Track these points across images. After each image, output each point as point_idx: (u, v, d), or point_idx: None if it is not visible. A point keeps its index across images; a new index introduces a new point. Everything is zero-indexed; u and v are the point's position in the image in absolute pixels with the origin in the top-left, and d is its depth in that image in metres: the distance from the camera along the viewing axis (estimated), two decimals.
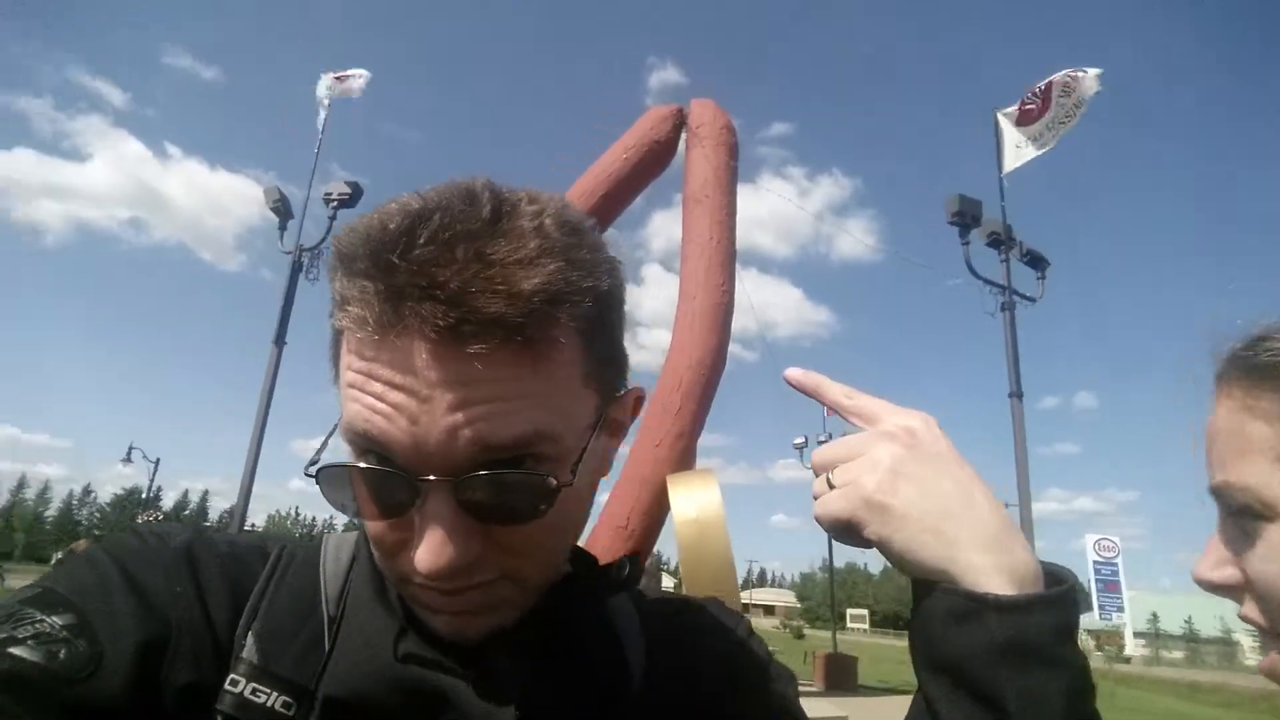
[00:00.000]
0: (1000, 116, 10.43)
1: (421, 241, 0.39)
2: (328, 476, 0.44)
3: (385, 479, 0.42)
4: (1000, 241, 10.32)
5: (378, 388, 0.41)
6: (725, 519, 9.27)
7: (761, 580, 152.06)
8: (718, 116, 12.98)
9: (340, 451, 0.46)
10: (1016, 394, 9.67)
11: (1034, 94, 9.70)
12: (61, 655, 0.40)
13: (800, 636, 43.06)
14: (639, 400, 0.53)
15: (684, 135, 12.62)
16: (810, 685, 14.22)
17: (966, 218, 10.32)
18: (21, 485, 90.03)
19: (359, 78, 11.99)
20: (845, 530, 0.45)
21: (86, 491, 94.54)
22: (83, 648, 0.41)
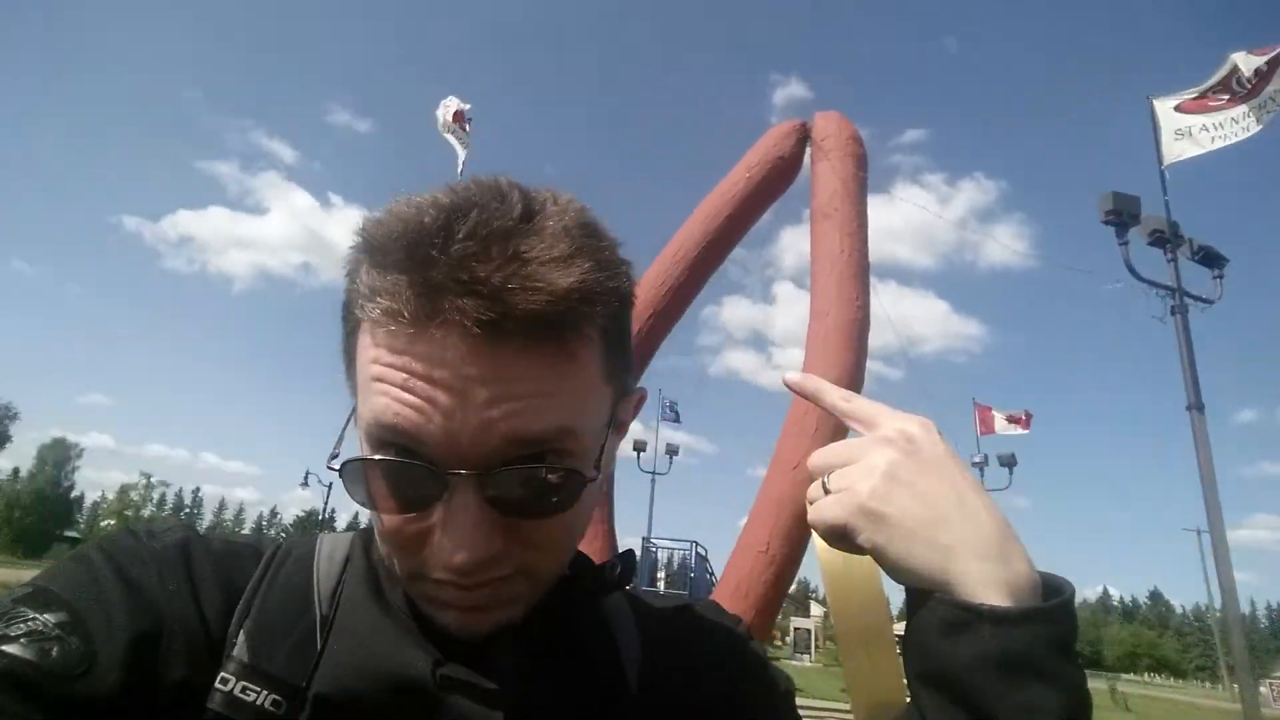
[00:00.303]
0: (1156, 104, 9.38)
1: (460, 237, 0.40)
2: (351, 470, 0.44)
3: (412, 472, 0.42)
4: (1165, 239, 9.25)
5: (410, 381, 0.41)
6: None
7: None
8: (843, 128, 12.57)
9: (352, 443, 0.47)
10: (1196, 406, 8.56)
11: (1234, 80, 8.54)
12: (54, 653, 0.40)
13: None
14: (642, 401, 0.54)
15: (809, 150, 12.40)
16: None
17: (1123, 215, 9.33)
18: (221, 507, 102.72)
19: (452, 109, 12.72)
20: (840, 536, 0.45)
21: (273, 513, 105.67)
22: (75, 645, 0.41)
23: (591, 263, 0.42)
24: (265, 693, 0.44)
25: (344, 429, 0.47)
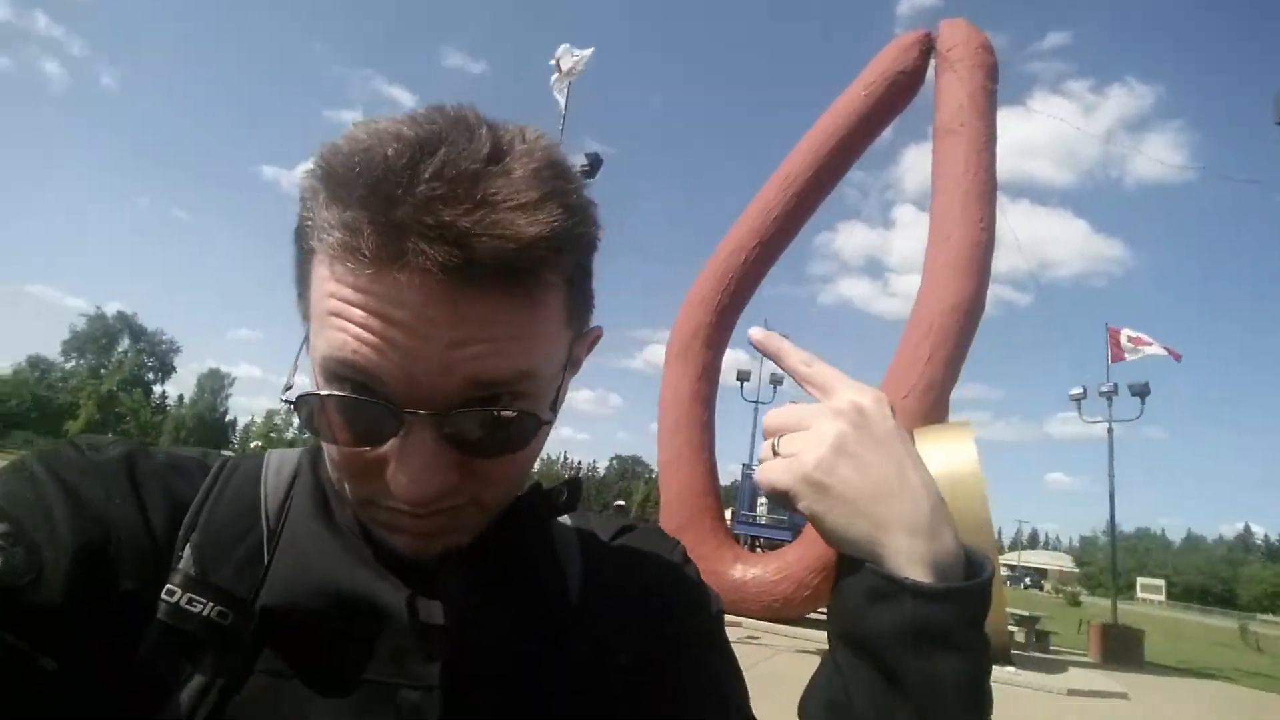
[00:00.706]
0: None
1: (427, 177, 0.39)
2: (306, 404, 0.44)
3: (370, 409, 0.42)
4: None
5: (369, 320, 0.40)
6: (981, 475, 8.70)
7: (1033, 542, 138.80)
8: (972, 36, 11.61)
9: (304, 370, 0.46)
10: None
11: None
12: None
13: (1076, 603, 38.67)
14: (596, 339, 0.55)
15: (933, 62, 11.55)
16: (1083, 655, 12.95)
17: None
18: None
19: (574, 58, 12.63)
20: (783, 499, 0.47)
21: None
22: (20, 555, 0.40)
23: (560, 209, 0.41)
24: (212, 604, 0.45)
25: (296, 359, 0.47)
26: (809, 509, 0.45)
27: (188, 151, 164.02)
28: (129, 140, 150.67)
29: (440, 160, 0.39)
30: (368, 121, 0.43)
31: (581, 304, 0.49)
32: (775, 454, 0.48)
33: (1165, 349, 17.33)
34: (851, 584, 0.44)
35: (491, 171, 0.40)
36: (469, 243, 0.38)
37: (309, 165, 0.43)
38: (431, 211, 0.38)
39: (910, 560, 0.43)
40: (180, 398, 76.13)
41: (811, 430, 0.47)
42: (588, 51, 12.91)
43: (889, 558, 0.43)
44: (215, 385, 76.52)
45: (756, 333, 0.54)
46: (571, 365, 0.51)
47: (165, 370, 69.81)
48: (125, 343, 67.59)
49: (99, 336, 66.38)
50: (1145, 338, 17.41)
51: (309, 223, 0.43)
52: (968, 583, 0.43)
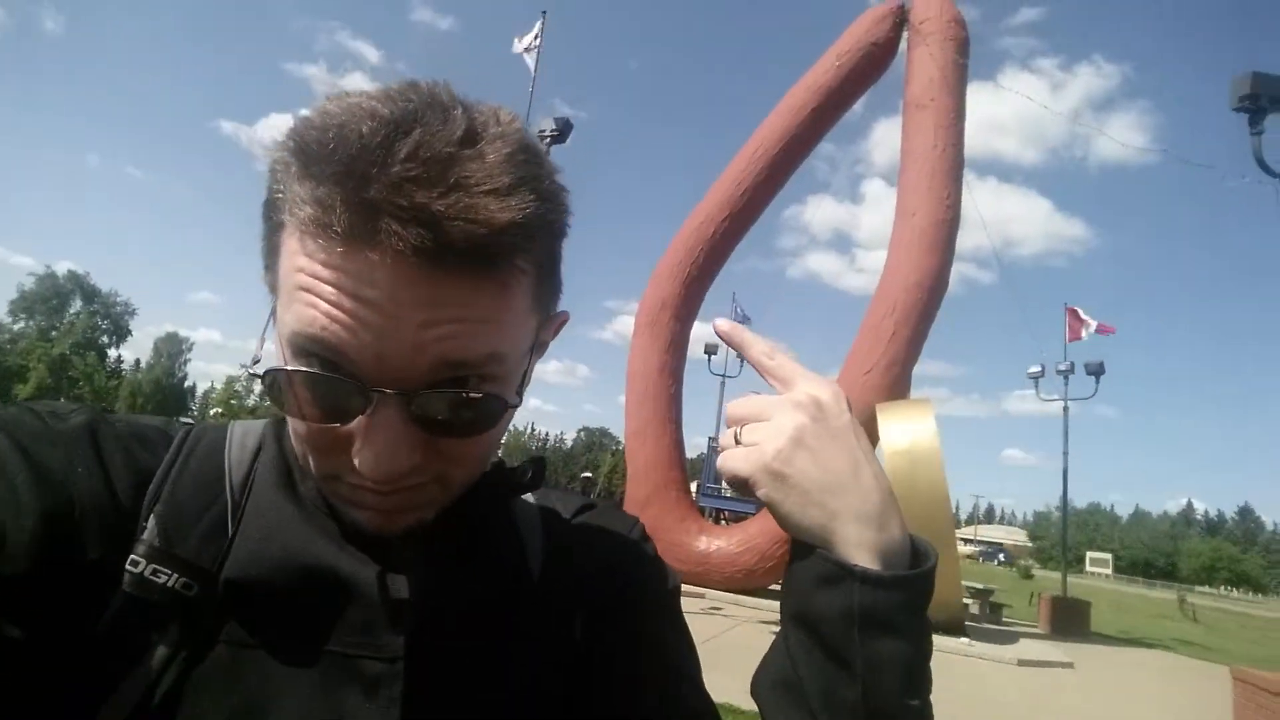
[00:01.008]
0: None
1: (401, 157, 0.39)
2: (273, 379, 0.44)
3: (338, 385, 0.43)
4: None
5: (339, 297, 0.41)
6: (940, 451, 8.85)
7: (989, 517, 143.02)
8: (945, 9, 11.61)
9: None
10: None
11: None
12: None
13: (1028, 576, 40.14)
14: (562, 323, 0.55)
15: (905, 34, 11.49)
16: (1034, 626, 13.39)
17: (1261, 100, 8.36)
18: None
19: (530, 38, 12.60)
20: (743, 486, 0.48)
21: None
22: None
23: (533, 195, 0.42)
24: (176, 575, 0.45)
25: (264, 331, 0.47)
26: (767, 496, 0.47)
27: (140, 105, 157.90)
28: (76, 91, 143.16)
29: (415, 141, 0.40)
30: (341, 95, 0.43)
31: (550, 289, 0.50)
32: (737, 442, 0.49)
33: (1099, 325, 17.80)
34: (803, 568, 0.46)
35: (465, 155, 0.41)
36: (441, 226, 0.39)
37: (280, 138, 0.43)
38: (405, 193, 0.39)
39: (859, 548, 0.45)
40: (136, 362, 74.18)
41: (772, 421, 0.48)
42: (537, 24, 12.92)
43: (839, 545, 0.45)
44: (173, 350, 74.49)
45: (723, 324, 0.56)
46: (538, 348, 0.52)
47: (120, 333, 67.58)
48: (77, 304, 65.32)
49: (49, 297, 64.01)
50: (1087, 317, 17.87)
51: (279, 195, 0.43)
52: (912, 571, 0.45)
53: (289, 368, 0.43)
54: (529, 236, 0.42)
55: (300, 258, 0.42)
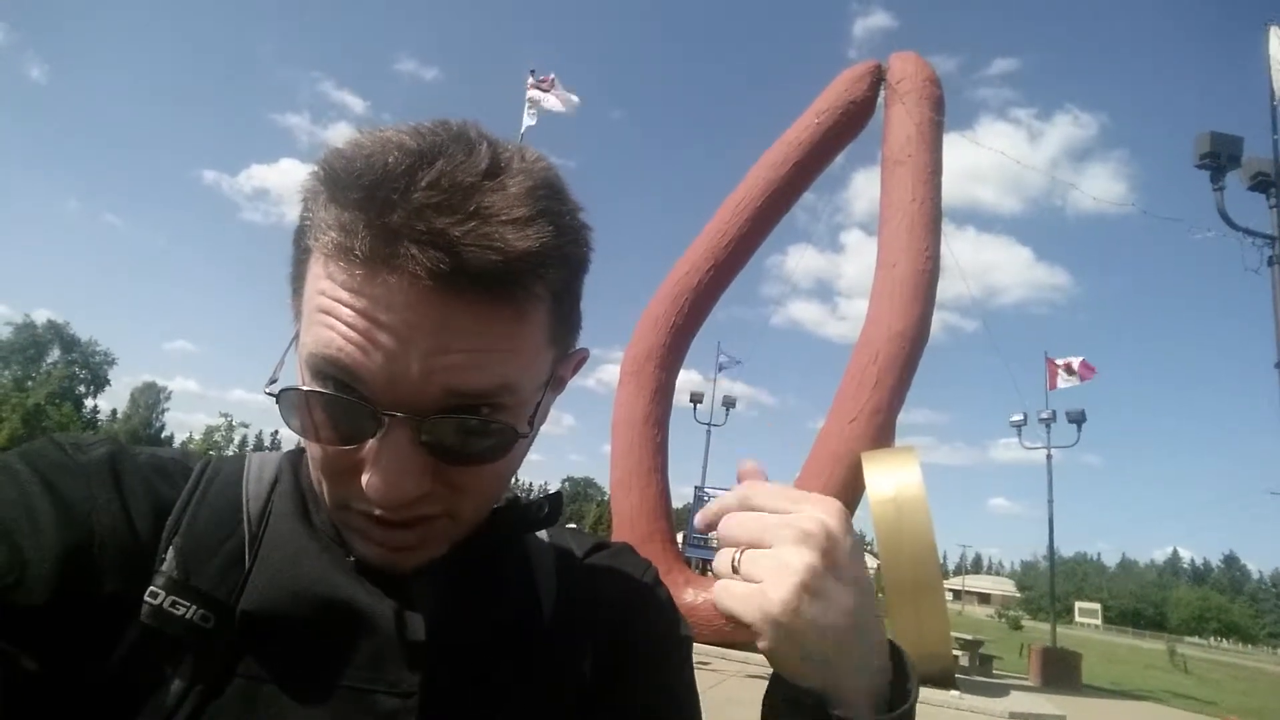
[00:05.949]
0: (1274, 31, 8.62)
1: (423, 185, 0.40)
2: (287, 398, 0.44)
3: (349, 407, 0.43)
4: (1269, 184, 8.55)
5: (357, 319, 0.41)
6: (926, 499, 8.82)
7: (976, 567, 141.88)
8: (920, 69, 12.07)
9: (291, 369, 0.47)
10: None
11: None
12: None
13: (1018, 627, 39.68)
14: (582, 361, 0.55)
15: (883, 93, 11.90)
16: (1025, 679, 13.18)
17: (1221, 158, 8.68)
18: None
19: (566, 103, 12.79)
20: (744, 630, 0.44)
21: None
22: (3, 554, 0.40)
23: (551, 226, 0.42)
24: (194, 607, 0.45)
25: (284, 355, 0.48)
26: (766, 647, 0.43)
27: (122, 153, 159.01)
28: (58, 139, 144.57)
29: (438, 170, 0.41)
30: (373, 129, 0.44)
31: (567, 323, 0.50)
32: (735, 570, 0.44)
33: (1081, 362, 17.99)
34: (791, 703, 0.44)
35: (487, 186, 0.41)
36: (458, 251, 0.39)
37: (313, 168, 0.44)
38: (425, 218, 0.39)
39: (853, 693, 0.43)
40: (113, 412, 72.91)
41: (776, 554, 0.43)
42: (576, 100, 13.14)
43: (839, 703, 0.43)
44: (150, 400, 73.37)
45: (747, 465, 0.50)
46: (555, 384, 0.51)
47: (98, 383, 66.53)
48: (56, 353, 64.48)
49: (26, 346, 63.17)
50: (1069, 359, 18.10)
51: (308, 222, 0.44)
52: (893, 713, 0.43)
53: (304, 387, 0.44)
54: (545, 266, 0.43)
55: (323, 281, 0.43)
